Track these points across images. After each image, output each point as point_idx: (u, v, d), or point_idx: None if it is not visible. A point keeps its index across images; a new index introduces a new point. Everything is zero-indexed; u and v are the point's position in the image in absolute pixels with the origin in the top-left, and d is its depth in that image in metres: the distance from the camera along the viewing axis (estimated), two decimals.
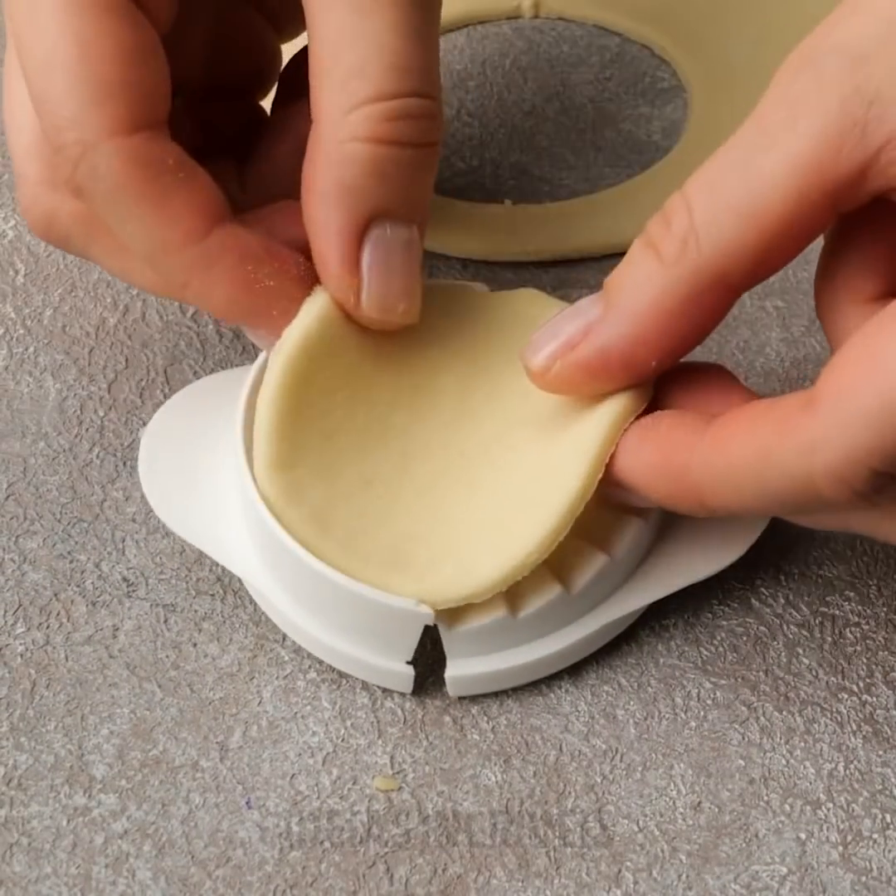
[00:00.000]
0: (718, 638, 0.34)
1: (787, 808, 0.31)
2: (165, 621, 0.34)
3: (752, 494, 0.28)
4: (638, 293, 0.30)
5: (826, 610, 0.34)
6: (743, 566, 0.35)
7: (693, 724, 0.32)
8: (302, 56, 0.34)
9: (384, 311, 0.32)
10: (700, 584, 0.34)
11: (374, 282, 0.32)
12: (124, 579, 0.35)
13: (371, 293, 0.32)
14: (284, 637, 0.34)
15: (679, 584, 0.33)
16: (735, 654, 0.33)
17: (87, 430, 0.38)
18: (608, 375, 0.31)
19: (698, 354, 0.39)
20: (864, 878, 0.30)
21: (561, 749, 0.32)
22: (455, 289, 0.36)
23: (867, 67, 0.27)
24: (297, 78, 0.35)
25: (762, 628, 0.34)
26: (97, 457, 0.37)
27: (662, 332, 0.30)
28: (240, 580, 0.35)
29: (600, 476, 0.31)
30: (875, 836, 0.31)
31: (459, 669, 0.32)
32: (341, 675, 0.33)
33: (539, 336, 0.31)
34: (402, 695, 0.33)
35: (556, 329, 0.31)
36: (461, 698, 0.33)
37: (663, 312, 0.30)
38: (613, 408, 0.31)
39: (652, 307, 0.30)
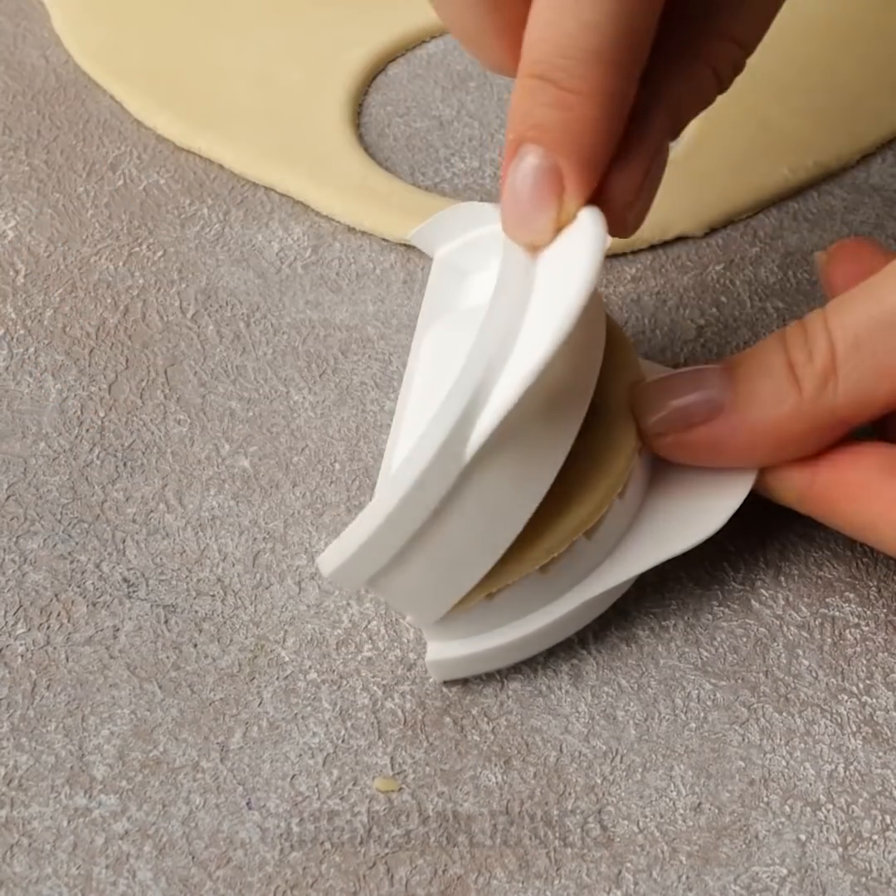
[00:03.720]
0: (718, 639, 0.34)
1: (787, 809, 0.31)
2: (166, 622, 0.34)
3: None
4: (767, 410, 0.31)
5: (826, 611, 0.34)
6: (743, 567, 0.35)
7: (693, 725, 0.32)
8: None
9: None
10: (700, 585, 0.34)
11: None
12: (125, 580, 0.35)
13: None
14: (284, 637, 0.34)
15: (657, 559, 0.33)
16: (735, 656, 0.33)
17: (87, 430, 0.38)
18: (710, 463, 0.33)
19: (698, 356, 0.39)
20: (863, 880, 0.30)
21: (561, 750, 0.32)
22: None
23: None
24: None
25: (762, 630, 0.34)
26: (97, 457, 0.37)
27: (778, 449, 0.32)
28: (240, 581, 0.35)
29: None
30: (875, 837, 0.31)
31: (439, 653, 0.32)
32: (341, 675, 0.33)
33: (658, 394, 0.32)
34: (402, 695, 0.33)
35: (678, 395, 0.32)
36: (461, 699, 0.33)
37: (786, 435, 0.32)
38: (627, 443, 0.32)
39: (777, 428, 0.31)
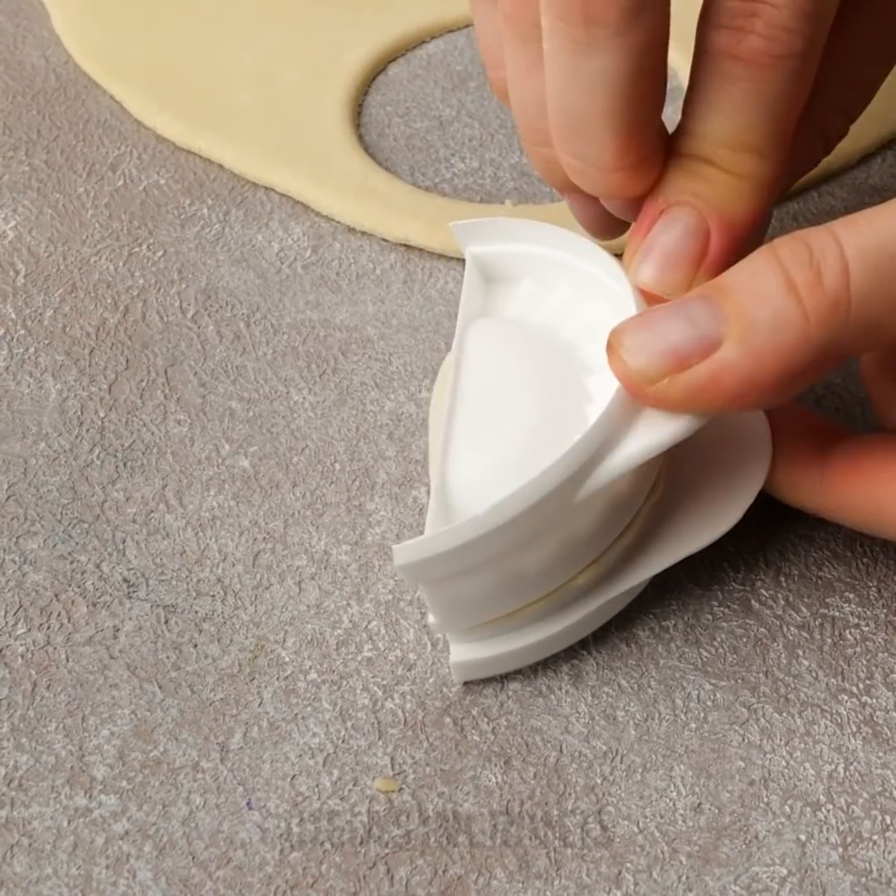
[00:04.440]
0: (718, 639, 0.34)
1: (787, 809, 0.31)
2: (166, 622, 0.34)
3: None
4: (769, 338, 0.28)
5: (826, 611, 0.34)
6: (743, 568, 0.35)
7: (693, 725, 0.32)
8: None
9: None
10: (700, 585, 0.34)
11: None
12: (125, 580, 0.35)
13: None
14: (284, 638, 0.34)
15: (674, 559, 0.33)
16: (735, 656, 0.33)
17: (87, 430, 0.38)
18: (708, 407, 0.30)
19: None
20: (863, 880, 0.30)
21: (561, 750, 0.32)
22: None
23: None
24: None
25: (762, 630, 0.34)
26: (98, 458, 0.37)
27: (781, 381, 0.29)
28: (240, 581, 0.35)
29: None
30: (875, 837, 0.31)
31: (463, 655, 0.32)
32: (342, 675, 0.33)
33: (640, 333, 0.30)
34: (403, 695, 0.33)
35: (663, 332, 0.29)
36: (461, 699, 0.33)
37: (789, 364, 0.28)
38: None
39: (781, 357, 0.28)
